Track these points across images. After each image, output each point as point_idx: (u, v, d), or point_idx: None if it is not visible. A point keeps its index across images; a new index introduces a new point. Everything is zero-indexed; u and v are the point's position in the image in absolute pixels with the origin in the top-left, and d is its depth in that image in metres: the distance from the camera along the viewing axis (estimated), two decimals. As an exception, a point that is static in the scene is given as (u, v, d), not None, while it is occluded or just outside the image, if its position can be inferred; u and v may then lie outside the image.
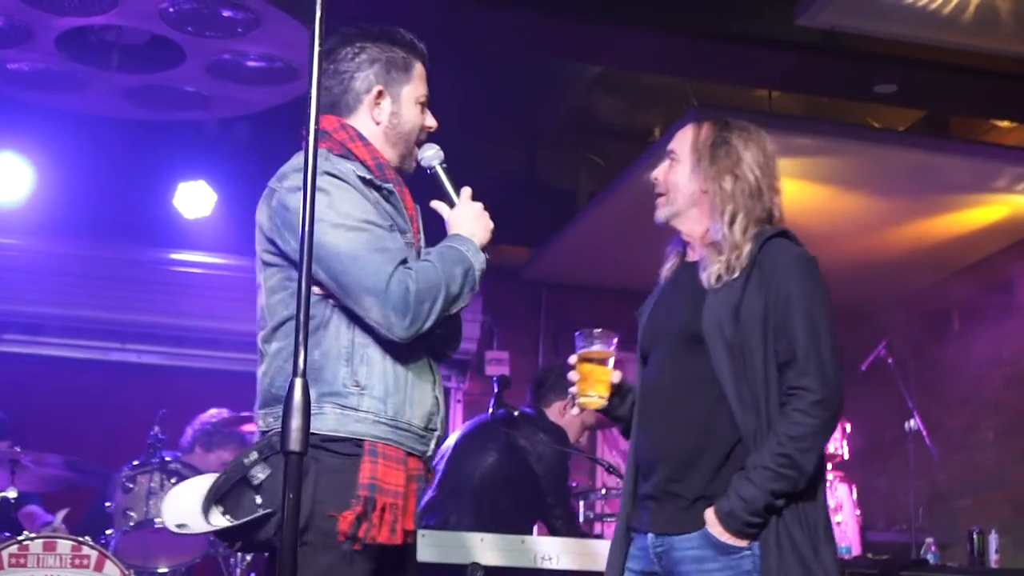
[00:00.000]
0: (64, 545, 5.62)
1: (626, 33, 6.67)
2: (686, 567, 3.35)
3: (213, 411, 7.06)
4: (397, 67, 3.41)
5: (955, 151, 7.82)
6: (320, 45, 2.57)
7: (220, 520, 3.01)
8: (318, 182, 3.11)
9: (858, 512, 7.57)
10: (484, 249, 3.34)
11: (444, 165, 3.48)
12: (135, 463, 6.28)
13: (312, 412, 3.01)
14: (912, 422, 7.88)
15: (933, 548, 7.17)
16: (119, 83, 7.02)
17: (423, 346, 3.23)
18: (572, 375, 3.58)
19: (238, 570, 6.39)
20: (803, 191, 8.27)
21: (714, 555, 3.30)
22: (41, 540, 5.62)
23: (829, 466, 7.72)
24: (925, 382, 9.05)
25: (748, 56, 6.86)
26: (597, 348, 3.52)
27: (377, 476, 3.06)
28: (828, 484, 7.37)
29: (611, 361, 3.54)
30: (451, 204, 3.44)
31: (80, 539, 5.67)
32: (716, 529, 3.29)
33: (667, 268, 3.70)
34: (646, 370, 3.60)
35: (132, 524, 6.10)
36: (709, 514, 3.31)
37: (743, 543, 3.28)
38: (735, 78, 7.49)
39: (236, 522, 2.99)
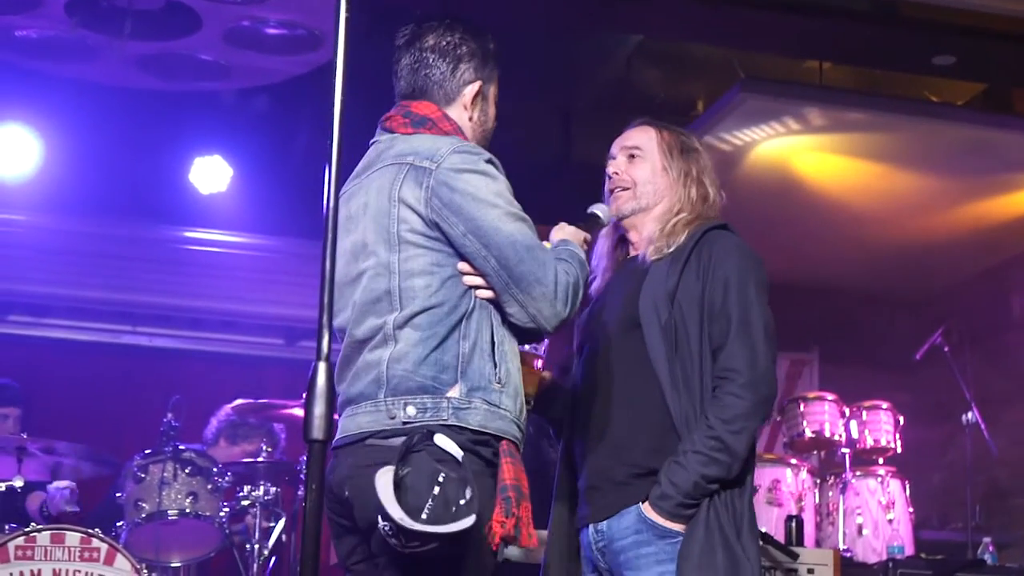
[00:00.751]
0: (73, 537, 5.65)
1: (668, 0, 6.65)
2: (625, 555, 3.51)
3: (239, 401, 7.09)
4: (490, 65, 3.50)
5: (1017, 127, 7.80)
6: (347, 11, 2.58)
7: (420, 522, 2.93)
8: (481, 167, 3.21)
9: (911, 510, 7.54)
10: None
11: (600, 221, 3.75)
12: (147, 452, 6.32)
13: (461, 406, 3.10)
14: (970, 414, 7.86)
15: (991, 548, 7.14)
16: (132, 51, 7.04)
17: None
18: None
19: (255, 565, 6.42)
20: (855, 168, 8.24)
21: (650, 538, 3.46)
22: (49, 532, 5.65)
23: (881, 460, 7.71)
24: (984, 372, 9.00)
25: (798, 25, 6.84)
26: (525, 348, 3.57)
27: (518, 477, 3.15)
28: (881, 480, 7.40)
29: (539, 363, 3.63)
30: None
31: (90, 531, 5.70)
32: (651, 515, 3.46)
33: (601, 281, 3.89)
34: (578, 363, 3.79)
35: (144, 516, 6.14)
36: (646, 505, 3.47)
37: (678, 526, 3.44)
38: (784, 48, 7.47)
39: (439, 529, 2.92)
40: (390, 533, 2.92)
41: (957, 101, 8.41)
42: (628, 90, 8.55)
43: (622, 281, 3.79)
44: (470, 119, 3.44)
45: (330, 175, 2.54)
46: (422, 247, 3.20)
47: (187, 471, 6.24)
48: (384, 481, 2.93)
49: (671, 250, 3.65)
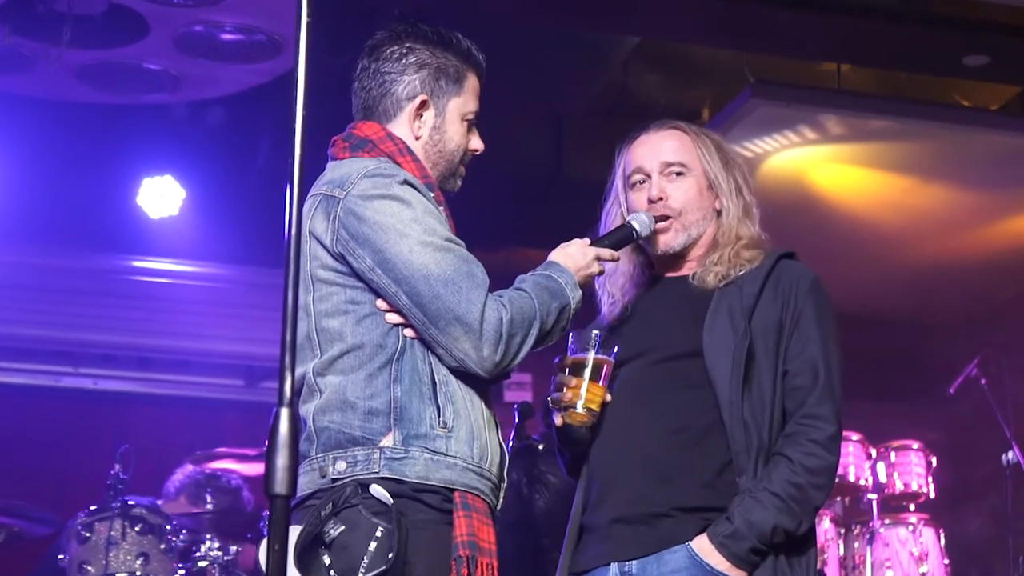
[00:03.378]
0: (9, 606, 5.63)
1: (668, -3, 6.68)
2: None
3: (200, 454, 7.05)
4: (447, 76, 3.44)
5: (1058, 134, 7.81)
6: (308, 16, 2.57)
7: None
8: (394, 191, 3.16)
9: (947, 561, 7.54)
10: (582, 286, 3.40)
11: (637, 238, 3.59)
12: (92, 508, 6.30)
13: (395, 456, 3.06)
14: (1010, 454, 7.86)
15: (1037, 604, 7.15)
16: (72, 61, 7.03)
17: (488, 386, 3.27)
18: (561, 380, 3.52)
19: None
20: (877, 182, 8.25)
21: None
22: (-18, 600, 5.64)
23: (912, 507, 7.71)
24: (1025, 407, 9.01)
25: (813, 23, 6.85)
26: (596, 354, 3.50)
27: (474, 532, 3.09)
28: (913, 528, 7.38)
29: (606, 371, 3.51)
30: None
31: (28, 599, 5.69)
32: (714, 559, 3.31)
33: (624, 301, 3.73)
34: (618, 385, 3.59)
35: (89, 580, 6.11)
36: (701, 542, 3.33)
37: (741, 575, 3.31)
38: (798, 50, 7.48)
39: None
40: None
41: (991, 106, 8.43)
42: (625, 97, 8.56)
43: (664, 303, 3.68)
44: (417, 137, 3.40)
45: (291, 196, 2.53)
46: (335, 284, 3.19)
47: (137, 529, 6.23)
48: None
49: (740, 274, 3.56)
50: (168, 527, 6.31)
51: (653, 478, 3.44)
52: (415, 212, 3.16)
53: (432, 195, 3.28)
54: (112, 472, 6.35)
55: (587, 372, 3.48)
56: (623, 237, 3.57)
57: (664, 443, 3.46)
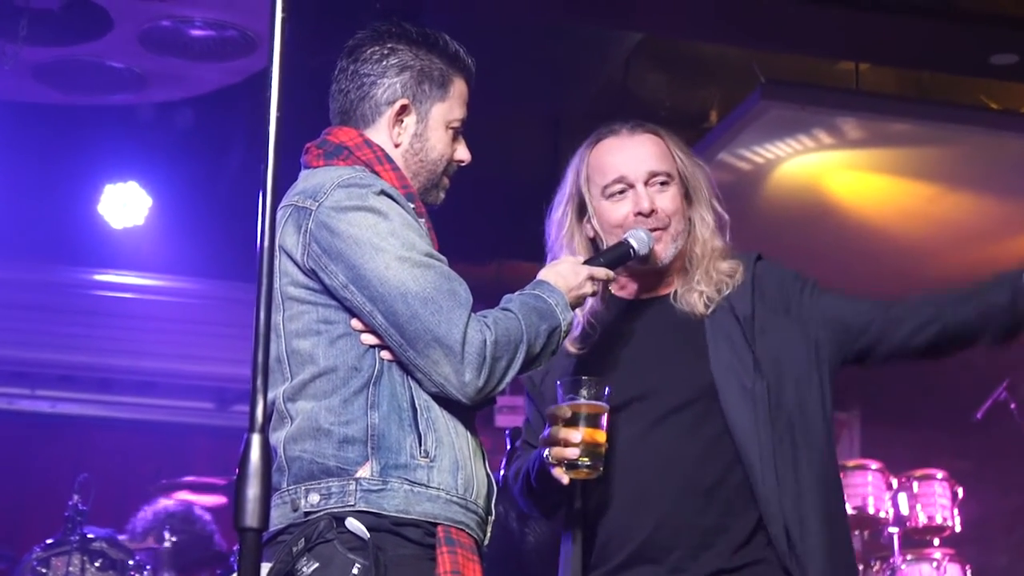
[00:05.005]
0: (-40, 647, 5.62)
1: (673, -9, 6.69)
2: None
3: (166, 483, 7.03)
4: (432, 80, 3.41)
5: (1093, 138, 7.82)
6: (283, 11, 2.56)
7: None
8: (370, 202, 3.13)
9: (973, 600, 7.55)
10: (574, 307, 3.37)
11: (634, 256, 3.55)
12: (49, 542, 6.29)
13: (373, 488, 3.04)
14: (1041, 484, 7.88)
15: (1069, 646, 7.15)
16: (29, 58, 7.03)
17: (473, 411, 3.25)
18: (555, 434, 3.45)
19: None
20: (898, 190, 8.26)
21: None
22: (-68, 642, 5.63)
23: (936, 541, 7.70)
24: (1058, 433, 9.02)
25: (829, 19, 6.86)
26: (589, 401, 3.45)
27: (459, 569, 3.07)
28: (937, 565, 7.38)
29: (604, 419, 3.45)
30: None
31: (-20, 640, 5.67)
32: None
33: (586, 326, 3.71)
34: (624, 434, 3.57)
35: (46, 620, 6.11)
36: None
37: None
38: (812, 47, 7.49)
39: None
40: None
41: (1021, 108, 8.45)
42: (627, 98, 8.57)
43: (650, 333, 3.67)
44: (397, 145, 3.38)
45: (264, 206, 2.52)
46: (307, 302, 3.17)
47: (97, 564, 6.22)
48: None
49: (727, 293, 3.57)
50: (131, 562, 6.30)
51: (693, 547, 3.45)
52: (392, 225, 3.13)
53: (412, 207, 3.26)
54: (71, 503, 6.34)
55: (582, 422, 3.43)
56: (619, 255, 3.53)
57: (697, 508, 3.46)
